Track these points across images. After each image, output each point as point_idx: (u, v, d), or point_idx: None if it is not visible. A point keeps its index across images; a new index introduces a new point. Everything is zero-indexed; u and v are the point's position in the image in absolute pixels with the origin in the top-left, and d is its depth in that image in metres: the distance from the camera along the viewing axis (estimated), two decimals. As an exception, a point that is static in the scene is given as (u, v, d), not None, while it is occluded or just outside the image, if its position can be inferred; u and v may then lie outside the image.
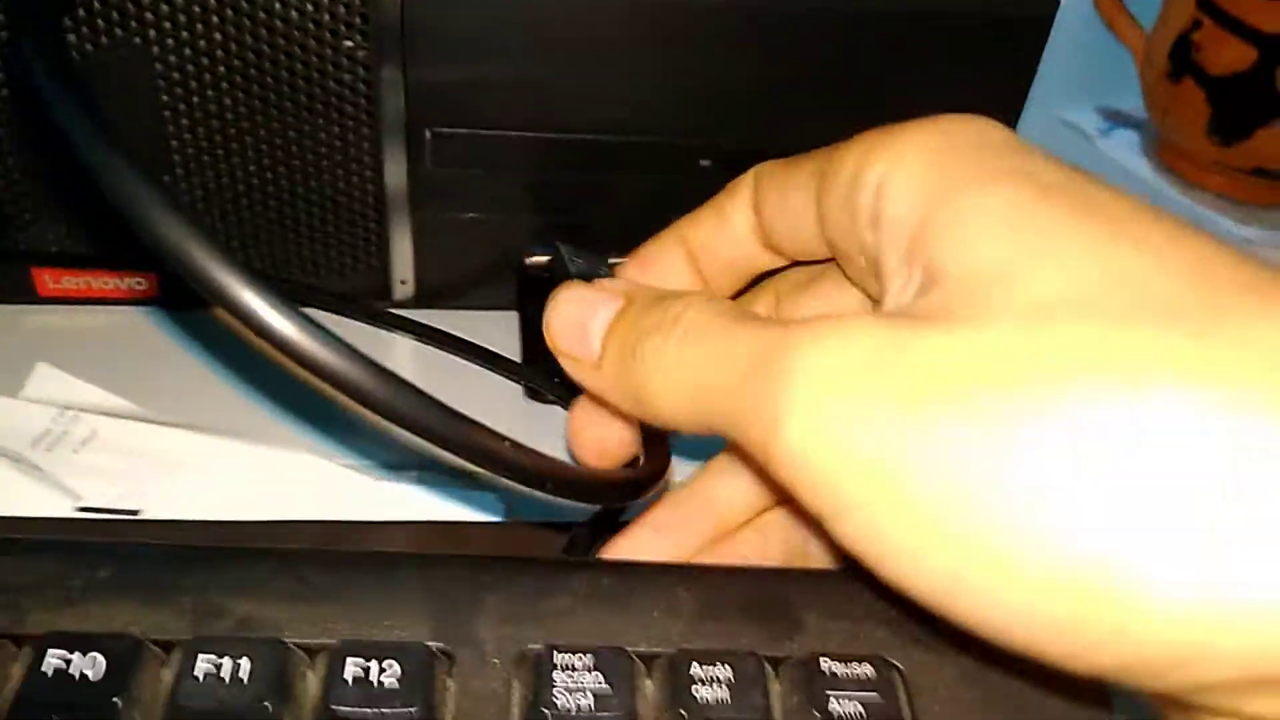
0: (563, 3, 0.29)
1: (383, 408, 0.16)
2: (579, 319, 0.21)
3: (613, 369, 0.20)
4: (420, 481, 0.30)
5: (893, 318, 0.16)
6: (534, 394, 0.33)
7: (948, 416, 0.14)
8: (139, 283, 0.33)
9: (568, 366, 0.21)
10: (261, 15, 0.28)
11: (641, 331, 0.19)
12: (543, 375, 0.33)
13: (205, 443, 0.30)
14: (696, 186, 0.33)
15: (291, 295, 0.16)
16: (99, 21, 0.28)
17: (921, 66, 0.32)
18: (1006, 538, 0.14)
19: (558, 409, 0.33)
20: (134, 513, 0.28)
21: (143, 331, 0.34)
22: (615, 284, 0.22)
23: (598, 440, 0.23)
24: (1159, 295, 0.14)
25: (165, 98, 0.30)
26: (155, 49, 0.29)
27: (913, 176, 0.17)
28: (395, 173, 0.32)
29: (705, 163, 0.33)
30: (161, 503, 0.28)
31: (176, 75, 0.29)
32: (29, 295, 0.33)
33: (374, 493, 0.29)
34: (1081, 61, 0.47)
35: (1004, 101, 0.34)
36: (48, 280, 0.33)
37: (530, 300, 0.35)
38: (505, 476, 0.18)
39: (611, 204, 0.34)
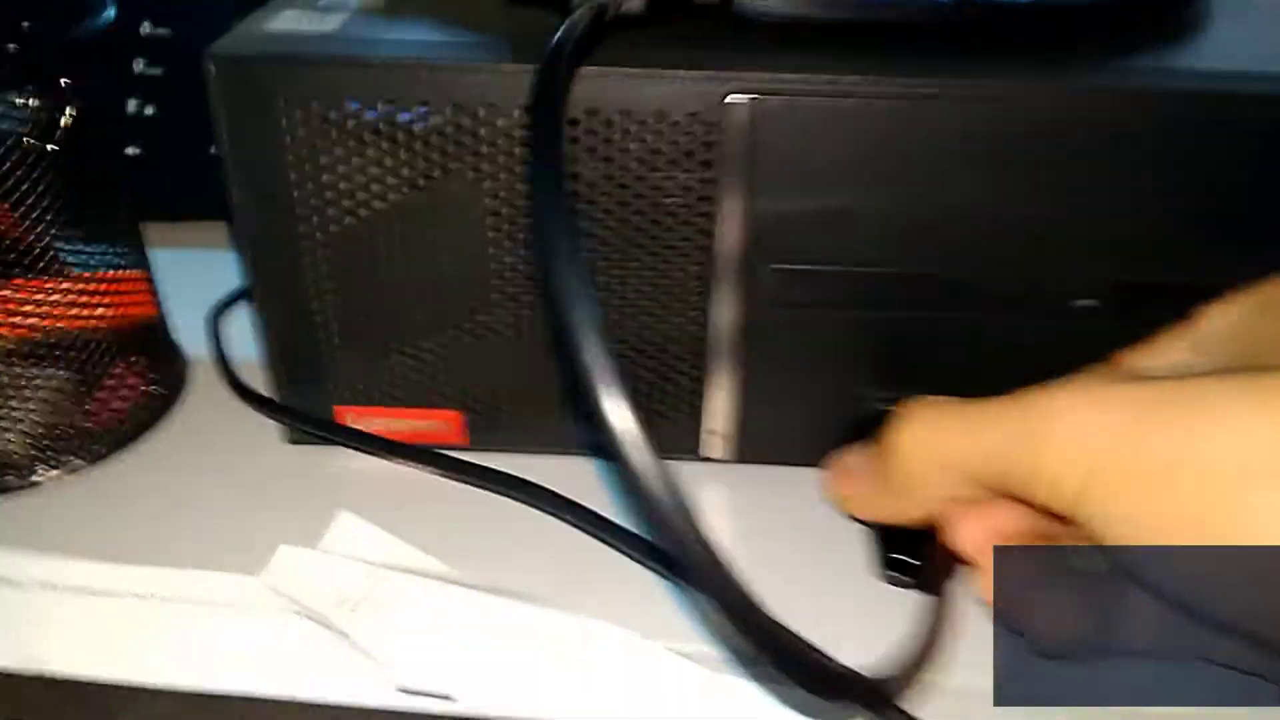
0: (916, 127, 0.25)
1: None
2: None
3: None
4: (743, 675, 0.25)
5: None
6: (892, 574, 0.28)
7: None
8: (443, 425, 0.31)
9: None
10: (599, 147, 0.26)
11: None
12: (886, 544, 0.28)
13: (515, 612, 0.27)
14: (1067, 332, 0.28)
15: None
16: (434, 155, 0.26)
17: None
18: None
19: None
20: (448, 698, 0.24)
21: (442, 479, 0.32)
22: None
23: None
24: None
25: (491, 233, 0.28)
26: (487, 182, 0.27)
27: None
28: (723, 314, 0.29)
29: (1083, 303, 0.28)
30: (475, 684, 0.25)
31: (504, 209, 0.27)
32: (331, 434, 0.32)
33: (701, 685, 0.25)
34: None
35: None
36: (350, 419, 0.32)
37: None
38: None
39: (959, 350, 0.29)
